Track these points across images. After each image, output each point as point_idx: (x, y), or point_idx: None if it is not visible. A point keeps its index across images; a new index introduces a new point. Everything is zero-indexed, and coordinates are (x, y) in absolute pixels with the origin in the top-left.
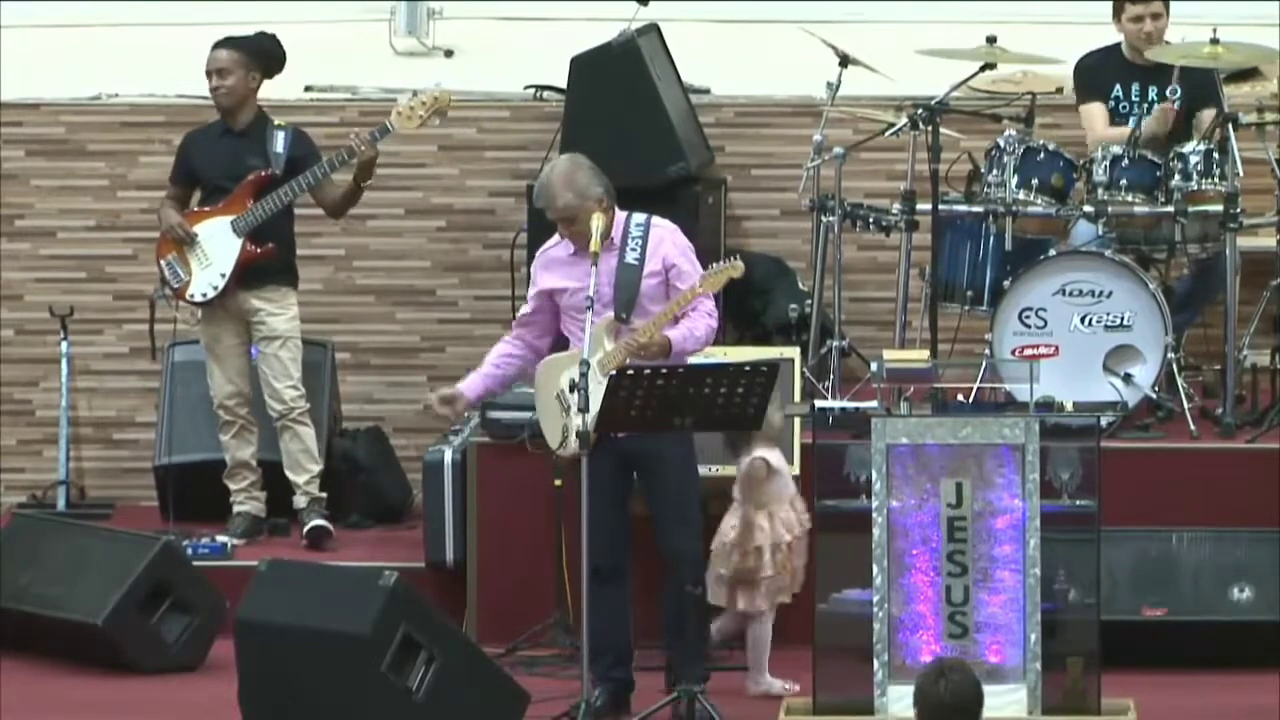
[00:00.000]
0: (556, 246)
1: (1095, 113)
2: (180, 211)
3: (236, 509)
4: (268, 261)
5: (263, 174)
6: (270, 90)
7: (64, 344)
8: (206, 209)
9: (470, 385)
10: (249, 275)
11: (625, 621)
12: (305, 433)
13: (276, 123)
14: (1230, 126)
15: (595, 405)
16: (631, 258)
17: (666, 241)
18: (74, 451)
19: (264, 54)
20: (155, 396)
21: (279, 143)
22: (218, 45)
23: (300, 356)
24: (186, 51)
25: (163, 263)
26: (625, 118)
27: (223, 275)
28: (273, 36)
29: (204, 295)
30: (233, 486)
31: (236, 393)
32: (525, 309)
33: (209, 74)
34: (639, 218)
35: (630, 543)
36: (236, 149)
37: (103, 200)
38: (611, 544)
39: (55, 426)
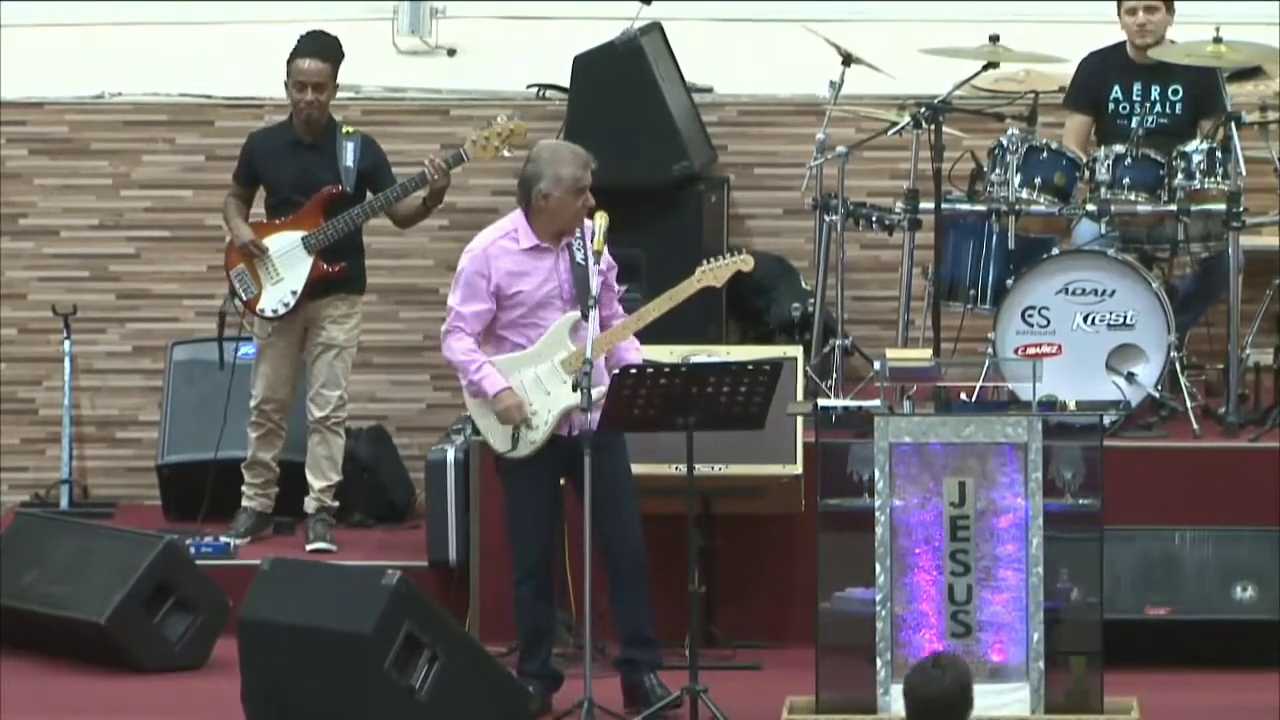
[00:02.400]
0: (504, 238)
1: (1073, 128)
2: (244, 212)
3: (245, 503)
4: (343, 275)
5: (334, 190)
6: (273, 89)
7: (67, 343)
8: (277, 222)
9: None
10: (321, 285)
11: (555, 615)
12: (336, 441)
13: (345, 130)
14: (1233, 125)
15: (563, 404)
16: (580, 257)
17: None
18: (77, 450)
19: (341, 58)
20: (158, 395)
21: (349, 156)
22: (308, 53)
23: (351, 366)
24: (190, 51)
25: (232, 274)
26: (628, 117)
27: (294, 293)
28: (333, 35)
29: (275, 311)
30: (247, 477)
31: (275, 398)
32: (479, 307)
33: (301, 85)
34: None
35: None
36: (307, 163)
37: (106, 199)
38: (549, 547)
39: (58, 425)
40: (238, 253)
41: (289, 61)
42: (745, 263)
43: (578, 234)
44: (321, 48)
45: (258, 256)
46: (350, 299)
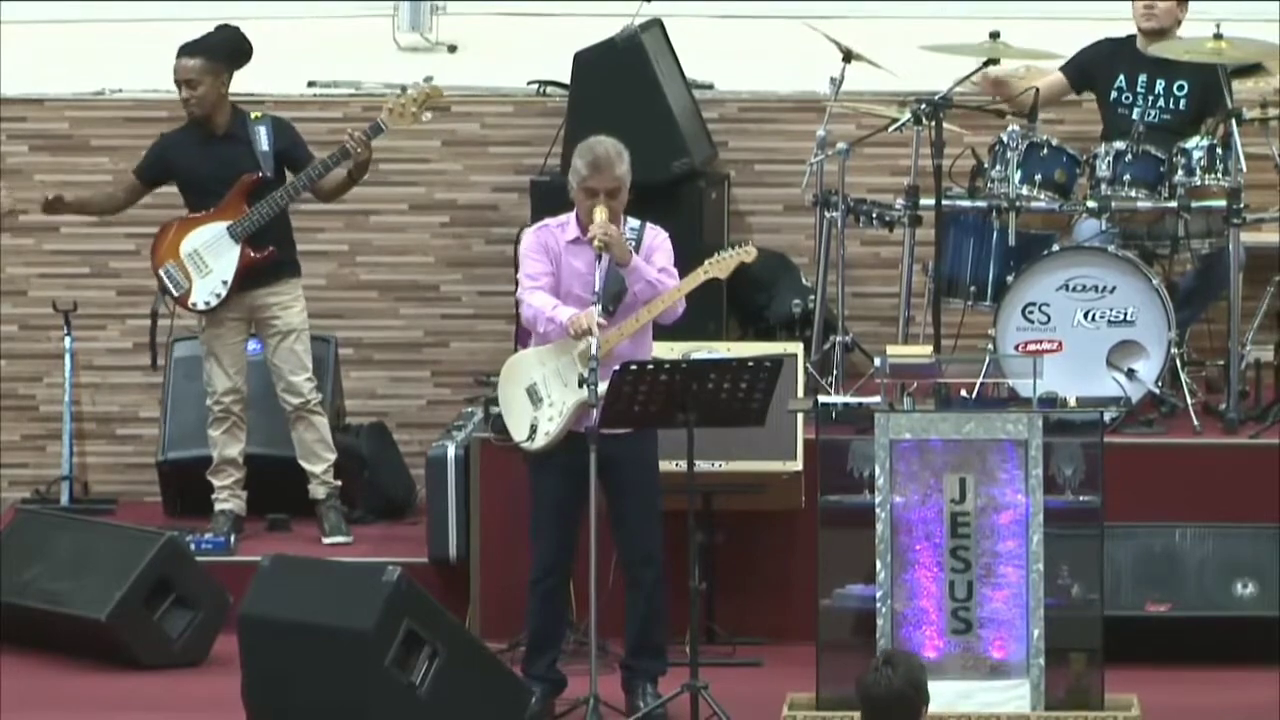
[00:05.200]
0: (558, 227)
1: (1049, 80)
2: (104, 195)
3: (219, 507)
4: (272, 260)
5: (254, 177)
6: (273, 86)
7: (67, 339)
8: (199, 215)
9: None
10: (254, 274)
11: (566, 621)
12: (320, 422)
13: (253, 116)
14: (1234, 122)
15: (575, 398)
16: None
17: (661, 250)
18: (77, 447)
19: (230, 52)
20: (158, 392)
21: (263, 140)
22: (182, 52)
23: (309, 347)
24: None
25: (161, 271)
26: (628, 113)
27: (224, 283)
28: (234, 28)
29: (206, 304)
30: (217, 483)
31: (234, 389)
32: (542, 268)
33: (177, 84)
34: (633, 221)
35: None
36: (223, 154)
37: None
38: (568, 546)
39: (59, 422)
40: (163, 249)
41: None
42: (748, 254)
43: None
44: (197, 46)
45: (7, 216)
46: (290, 283)
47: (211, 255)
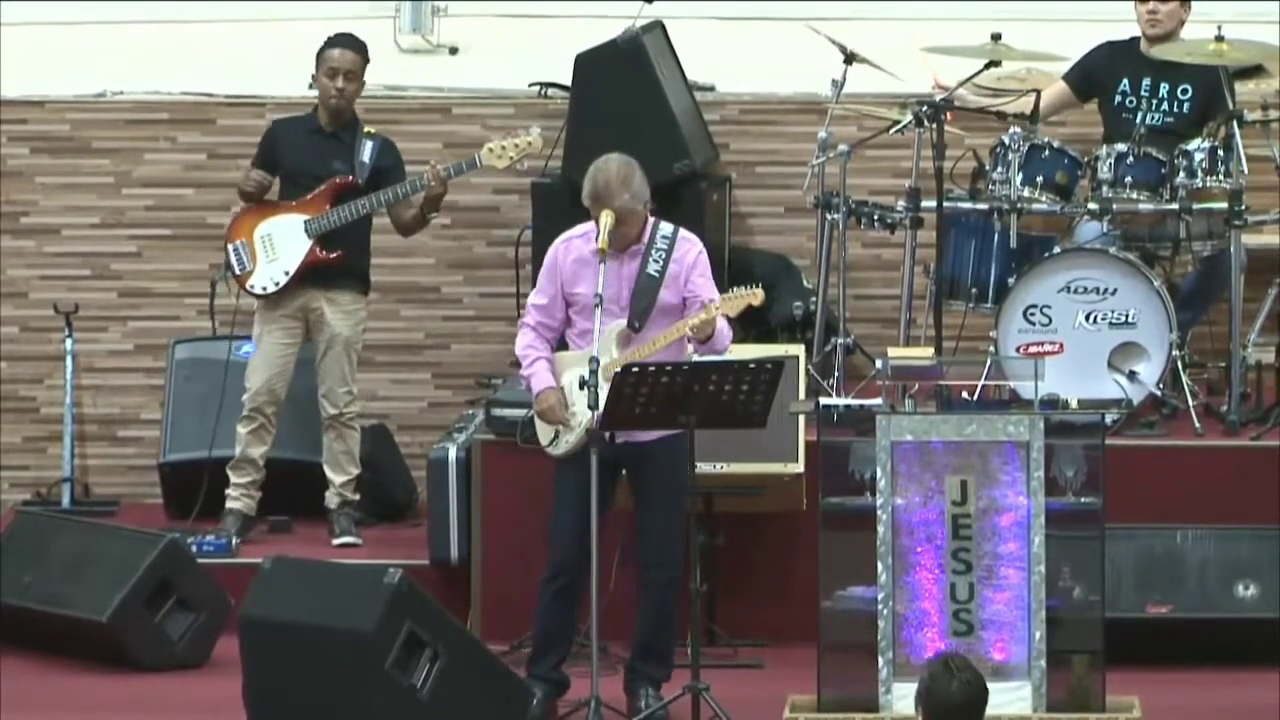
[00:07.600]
0: (580, 238)
1: (1053, 89)
2: (261, 196)
3: (229, 504)
4: (339, 265)
5: (345, 180)
6: (274, 87)
7: (68, 341)
8: (283, 203)
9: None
10: (320, 275)
11: (574, 623)
12: (351, 436)
13: (366, 129)
14: (1235, 124)
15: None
16: (653, 268)
17: (698, 267)
18: (78, 448)
19: (368, 60)
20: (159, 394)
21: (366, 152)
22: (341, 43)
23: (356, 363)
24: (191, 49)
25: (230, 246)
26: (630, 115)
27: (286, 273)
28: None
29: (264, 289)
30: (233, 478)
31: (269, 390)
32: (542, 300)
33: (332, 73)
34: (666, 228)
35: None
36: (325, 150)
37: (107, 198)
38: (583, 547)
39: (60, 424)
40: (239, 225)
41: (320, 53)
42: (756, 296)
43: (647, 242)
44: (353, 41)
45: (265, 189)
46: (352, 295)
47: (282, 244)
